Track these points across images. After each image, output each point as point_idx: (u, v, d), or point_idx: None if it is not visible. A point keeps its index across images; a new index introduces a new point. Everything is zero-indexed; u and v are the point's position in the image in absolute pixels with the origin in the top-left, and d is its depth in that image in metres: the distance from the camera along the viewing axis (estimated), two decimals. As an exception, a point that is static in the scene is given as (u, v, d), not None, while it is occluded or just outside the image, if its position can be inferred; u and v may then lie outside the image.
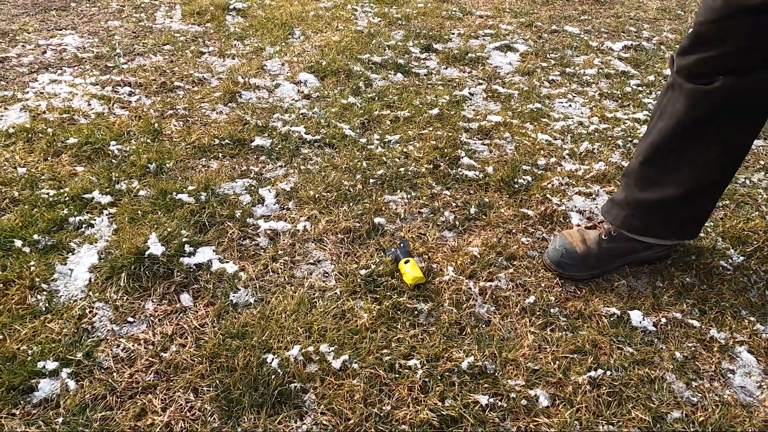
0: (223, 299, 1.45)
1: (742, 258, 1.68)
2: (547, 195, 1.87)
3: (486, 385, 1.27)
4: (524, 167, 1.99)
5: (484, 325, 1.42)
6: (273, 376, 1.26)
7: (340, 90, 2.44)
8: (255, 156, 2.00)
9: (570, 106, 2.43)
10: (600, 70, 2.76)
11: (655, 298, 1.53)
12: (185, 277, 1.51)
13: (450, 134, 2.15)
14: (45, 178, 1.81)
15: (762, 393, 1.32)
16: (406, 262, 1.52)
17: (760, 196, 1.94)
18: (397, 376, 1.28)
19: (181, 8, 3.25)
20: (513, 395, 1.26)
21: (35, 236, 1.58)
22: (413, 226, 1.72)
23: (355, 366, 1.29)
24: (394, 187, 1.87)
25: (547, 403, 1.25)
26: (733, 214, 1.85)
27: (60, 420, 1.17)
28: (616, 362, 1.35)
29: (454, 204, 1.81)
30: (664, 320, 1.47)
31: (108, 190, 1.78)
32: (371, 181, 1.89)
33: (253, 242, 1.65)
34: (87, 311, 1.40)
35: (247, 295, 1.48)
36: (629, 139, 2.20)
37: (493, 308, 1.47)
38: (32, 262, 1.51)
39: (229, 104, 2.31)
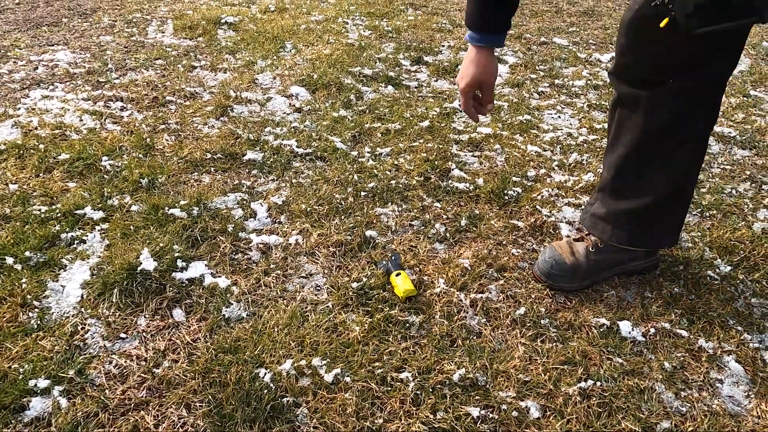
0: (215, 314, 1.46)
1: (729, 268, 1.70)
2: (537, 206, 1.89)
3: (477, 397, 1.28)
4: (514, 179, 2.01)
5: (475, 337, 1.43)
6: (265, 391, 1.26)
7: (331, 103, 2.46)
8: (247, 170, 2.01)
9: (559, 117, 2.46)
10: (588, 82, 2.79)
11: (644, 309, 1.54)
12: (177, 292, 1.52)
13: (441, 146, 2.17)
14: (37, 194, 1.82)
15: (750, 402, 1.33)
16: (397, 275, 1.53)
17: (746, 206, 1.97)
18: (389, 389, 1.29)
19: (172, 23, 3.26)
20: (504, 407, 1.26)
21: (27, 253, 1.58)
22: (404, 239, 1.73)
23: (348, 379, 1.30)
24: (385, 199, 1.88)
25: (538, 414, 1.26)
26: (720, 224, 1.87)
27: (52, 438, 1.17)
28: (606, 373, 1.36)
29: (444, 216, 1.83)
30: (653, 330, 1.48)
31: (100, 205, 1.78)
32: (362, 194, 1.90)
33: (246, 256, 1.65)
34: (79, 328, 1.40)
35: (239, 309, 1.48)
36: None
37: (484, 320, 1.48)
38: (24, 280, 1.51)
39: (221, 118, 2.32)
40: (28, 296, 1.47)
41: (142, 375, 1.31)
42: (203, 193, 1.86)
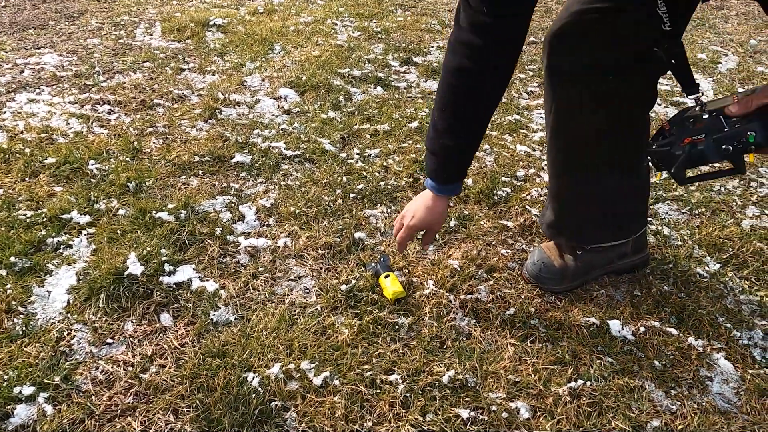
0: (203, 318, 1.45)
1: (718, 265, 1.70)
2: (527, 206, 1.89)
3: (467, 399, 1.28)
4: (503, 179, 2.01)
5: (464, 338, 1.43)
6: (253, 395, 1.26)
7: (320, 105, 2.45)
8: (235, 173, 2.00)
9: (548, 117, 2.46)
10: (577, 81, 2.79)
11: (633, 307, 1.54)
12: (165, 296, 1.50)
13: (430, 147, 2.16)
14: (22, 199, 1.80)
15: (739, 400, 1.33)
16: (386, 277, 1.52)
17: (735, 203, 1.97)
18: (378, 391, 1.28)
19: (161, 25, 3.24)
20: (494, 408, 1.26)
21: (12, 258, 1.56)
22: (393, 241, 1.72)
23: (336, 382, 1.29)
24: (374, 201, 1.88)
25: (528, 415, 1.25)
26: (709, 221, 1.88)
27: (37, 446, 1.15)
28: (596, 372, 1.36)
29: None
30: (642, 329, 1.48)
31: (87, 210, 1.77)
32: (351, 195, 1.89)
33: (234, 260, 1.64)
34: (65, 334, 1.39)
35: (227, 313, 1.47)
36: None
37: (474, 321, 1.48)
38: (8, 285, 1.49)
39: (209, 121, 2.31)
40: (13, 302, 1.45)
41: (129, 380, 1.29)
42: (191, 197, 1.84)
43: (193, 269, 1.59)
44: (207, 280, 1.56)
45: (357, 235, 1.72)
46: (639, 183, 1.50)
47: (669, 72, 1.21)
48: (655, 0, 1.07)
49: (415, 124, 2.31)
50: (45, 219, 1.71)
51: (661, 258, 1.71)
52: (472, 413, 1.25)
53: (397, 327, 1.44)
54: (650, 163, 1.19)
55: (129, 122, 2.27)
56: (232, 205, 1.84)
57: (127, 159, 2.03)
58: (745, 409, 1.31)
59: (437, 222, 1.44)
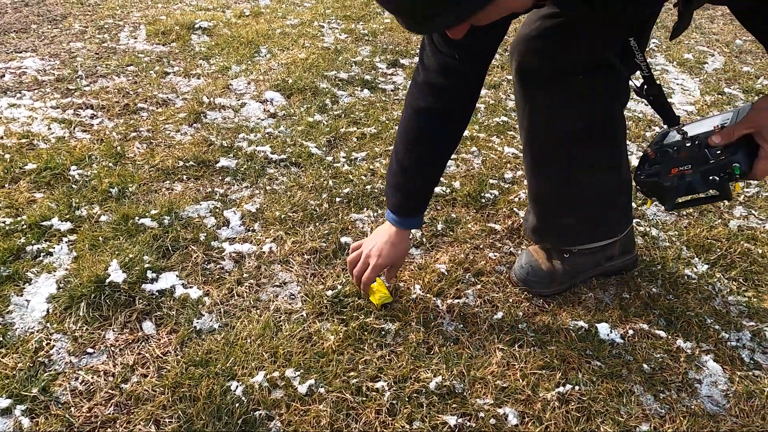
0: (186, 326, 1.42)
1: (706, 266, 1.69)
2: (514, 209, 1.88)
3: (454, 405, 1.26)
4: (491, 181, 2.00)
5: (452, 344, 1.41)
6: (237, 405, 1.23)
7: (306, 108, 2.43)
8: (220, 177, 1.98)
9: (536, 118, 2.45)
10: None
11: (622, 310, 1.54)
12: (147, 304, 1.48)
13: (417, 150, 2.15)
14: (1, 206, 1.76)
15: (728, 402, 1.33)
16: (372, 282, 1.50)
17: (722, 204, 1.97)
18: (365, 399, 1.26)
19: (145, 28, 3.21)
20: (482, 414, 1.24)
21: (-10, 267, 1.53)
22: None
23: (322, 390, 1.27)
24: (361, 205, 1.86)
25: (516, 421, 1.24)
26: (697, 222, 1.87)
27: (14, 460, 1.13)
28: (585, 377, 1.34)
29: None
30: (631, 332, 1.47)
31: (68, 216, 1.73)
32: (337, 199, 1.87)
33: (218, 266, 1.62)
34: (44, 344, 1.36)
35: (211, 320, 1.45)
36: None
37: (461, 326, 1.46)
38: (-14, 295, 1.46)
39: (194, 125, 2.28)
40: (-9, 312, 1.42)
41: (110, 391, 1.27)
42: (175, 202, 1.82)
43: (177, 276, 1.56)
44: (190, 287, 1.53)
45: (343, 239, 1.70)
46: (619, 181, 1.48)
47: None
48: (633, 53, 1.09)
49: (402, 126, 2.29)
50: (25, 226, 1.68)
51: (650, 260, 1.70)
52: (460, 420, 1.23)
53: (383, 333, 1.42)
54: (640, 192, 1.22)
55: (112, 127, 2.23)
56: (217, 210, 1.81)
57: (110, 164, 2.00)
58: (733, 411, 1.31)
59: (402, 257, 1.47)
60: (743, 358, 1.43)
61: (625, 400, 1.30)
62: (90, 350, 1.36)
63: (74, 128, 2.21)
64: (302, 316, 1.46)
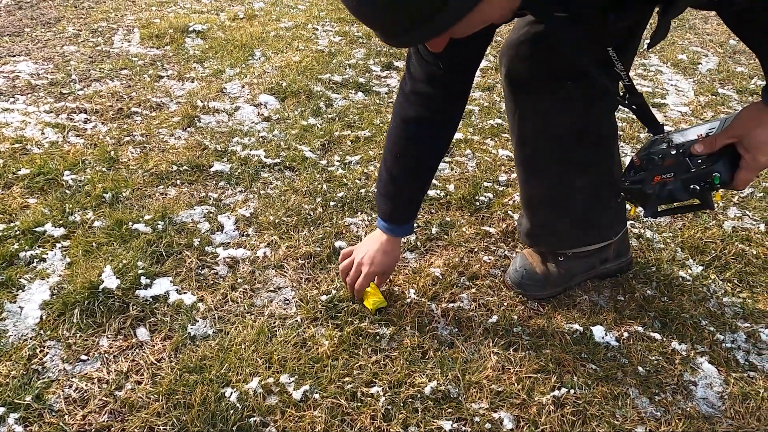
0: (180, 332, 1.42)
1: (701, 268, 1.70)
2: (509, 212, 1.88)
3: (449, 410, 1.26)
4: (485, 184, 2.00)
5: (446, 348, 1.41)
6: (231, 411, 1.23)
7: (300, 111, 2.42)
8: (214, 182, 1.97)
9: (530, 120, 2.45)
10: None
11: (617, 313, 1.54)
12: (141, 310, 1.47)
13: (411, 153, 2.14)
14: (-6, 212, 1.76)
15: (723, 404, 1.33)
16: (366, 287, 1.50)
17: (717, 205, 1.97)
18: (359, 404, 1.26)
19: (139, 32, 3.20)
20: (477, 419, 1.24)
21: (-17, 274, 1.52)
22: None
23: (317, 396, 1.27)
24: (355, 209, 1.86)
25: (511, 425, 1.24)
26: (691, 223, 1.87)
27: (7, 469, 1.12)
28: (580, 380, 1.34)
29: (415, 224, 1.80)
30: (626, 334, 1.47)
31: (61, 222, 1.73)
32: (332, 203, 1.87)
33: (212, 271, 1.61)
34: (37, 351, 1.35)
35: (205, 326, 1.44)
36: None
37: (456, 330, 1.46)
38: (-21, 302, 1.45)
39: (188, 129, 2.27)
40: (-16, 320, 1.41)
41: (104, 398, 1.26)
42: (169, 207, 1.81)
43: (171, 282, 1.56)
44: (185, 293, 1.52)
45: (338, 244, 1.70)
46: (612, 183, 1.48)
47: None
48: (612, 62, 1.09)
49: (396, 129, 2.29)
50: (18, 232, 1.67)
51: (644, 262, 1.71)
52: (455, 425, 1.23)
53: (378, 338, 1.42)
54: (624, 198, 1.23)
55: (106, 131, 2.23)
56: (211, 215, 1.81)
57: (104, 169, 1.99)
58: (729, 413, 1.31)
59: (394, 264, 1.49)
60: (738, 360, 1.44)
61: (621, 403, 1.30)
62: (84, 357, 1.35)
63: (68, 133, 2.20)
64: (297, 321, 1.46)
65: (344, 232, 1.76)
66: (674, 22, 3.74)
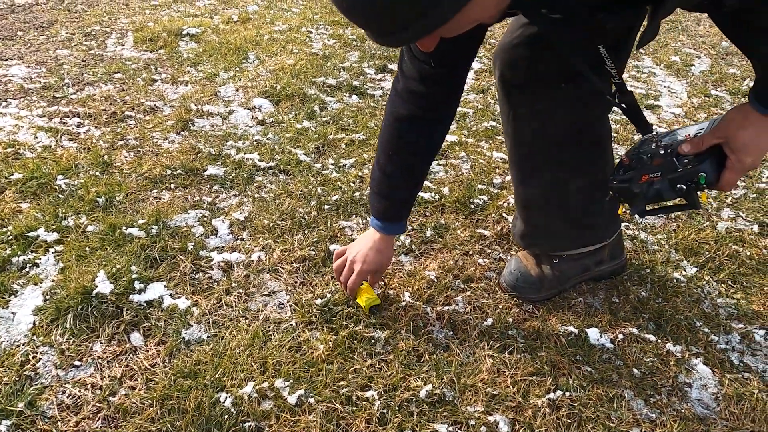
0: (174, 337, 1.41)
1: (695, 269, 1.70)
2: (503, 214, 1.88)
3: (445, 414, 1.26)
4: (480, 186, 2.00)
5: (442, 351, 1.40)
6: (226, 416, 1.22)
7: (294, 114, 2.42)
8: (208, 185, 1.97)
9: (524, 123, 2.45)
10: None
11: (612, 314, 1.54)
12: (135, 315, 1.46)
13: (406, 156, 2.14)
14: (-13, 217, 1.75)
15: (718, 405, 1.33)
16: (360, 286, 1.50)
17: (710, 206, 1.98)
18: (355, 408, 1.26)
19: (133, 35, 3.20)
20: (472, 422, 1.24)
21: (-25, 280, 1.51)
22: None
23: (312, 400, 1.26)
24: (350, 212, 1.85)
25: (506, 428, 1.24)
26: (685, 225, 1.88)
27: (-1, 477, 1.11)
28: (575, 382, 1.34)
29: (410, 227, 1.80)
30: (621, 336, 1.48)
31: (54, 227, 1.72)
32: (326, 207, 1.87)
33: (206, 275, 1.61)
34: (30, 357, 1.34)
35: (199, 331, 1.44)
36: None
37: (451, 333, 1.46)
38: (-29, 308, 1.44)
39: (182, 133, 2.27)
40: (-24, 326, 1.40)
41: (97, 404, 1.25)
42: (162, 211, 1.80)
43: (165, 286, 1.55)
44: (179, 298, 1.52)
45: (332, 247, 1.70)
46: (606, 185, 1.48)
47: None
48: (603, 59, 1.09)
49: (390, 132, 2.29)
50: (10, 237, 1.66)
51: (639, 263, 1.71)
52: (451, 428, 1.23)
53: (373, 341, 1.41)
54: (612, 197, 1.23)
55: (99, 135, 2.22)
56: (205, 219, 1.80)
57: (97, 173, 1.98)
58: (723, 414, 1.31)
59: (387, 262, 1.49)
60: (732, 361, 1.44)
61: (616, 405, 1.30)
62: (77, 363, 1.34)
63: (61, 137, 2.19)
64: (291, 325, 1.45)
65: (339, 235, 1.76)
66: (666, 24, 3.75)
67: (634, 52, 2.80)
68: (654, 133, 1.19)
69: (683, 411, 1.31)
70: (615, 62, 1.11)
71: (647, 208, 1.16)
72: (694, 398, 1.35)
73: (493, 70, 1.39)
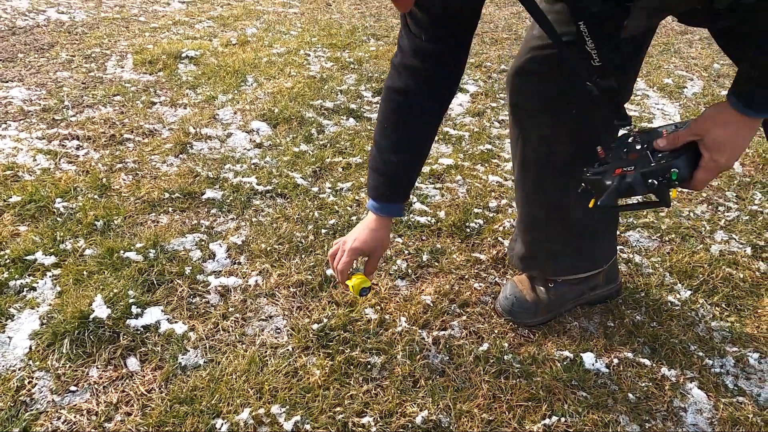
0: (171, 362, 1.41)
1: (689, 292, 1.71)
2: (499, 238, 1.89)
3: (441, 440, 1.26)
4: (476, 210, 2.02)
5: (438, 377, 1.41)
6: (222, 443, 1.22)
7: (292, 138, 2.44)
8: (206, 209, 1.98)
9: (520, 145, 2.48)
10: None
11: (607, 339, 1.55)
12: (132, 340, 1.47)
13: (402, 179, 2.16)
14: (-15, 240, 1.75)
15: (713, 429, 1.33)
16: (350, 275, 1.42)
17: (704, 228, 2.00)
18: (351, 435, 1.26)
19: (132, 57, 3.23)
20: (468, 449, 1.24)
21: (-28, 304, 1.52)
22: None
23: (308, 427, 1.27)
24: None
25: (502, 455, 1.24)
26: (679, 248, 1.89)
27: (-6, 505, 1.11)
28: (571, 408, 1.35)
29: (406, 251, 1.81)
30: (616, 361, 1.48)
31: (52, 250, 1.72)
32: (323, 231, 1.88)
33: (204, 299, 1.61)
34: (26, 382, 1.35)
35: (196, 356, 1.44)
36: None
37: (447, 358, 1.46)
38: (-32, 333, 1.44)
39: (180, 156, 2.29)
40: (-27, 351, 1.40)
41: (93, 430, 1.25)
42: (160, 235, 1.81)
43: (162, 311, 1.55)
44: (176, 322, 1.52)
45: (329, 272, 1.71)
46: (608, 213, 1.51)
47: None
48: (583, 38, 1.07)
49: (387, 155, 2.31)
50: (8, 261, 1.67)
51: (633, 287, 1.72)
52: (446, 455, 1.23)
53: (369, 366, 1.42)
54: (583, 190, 1.20)
55: (98, 158, 2.23)
56: (203, 243, 1.81)
57: (95, 196, 1.99)
58: (718, 440, 1.31)
59: (381, 246, 1.39)
60: (727, 385, 1.45)
61: (612, 431, 1.31)
62: (73, 388, 1.34)
63: (60, 159, 2.20)
64: (288, 350, 1.46)
65: (335, 259, 1.77)
66: (659, 47, 3.81)
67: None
68: (633, 128, 1.18)
69: (678, 436, 1.31)
70: (597, 46, 1.09)
71: (618, 204, 1.14)
72: (689, 423, 1.35)
73: (506, 94, 1.41)
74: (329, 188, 2.11)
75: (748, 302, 1.69)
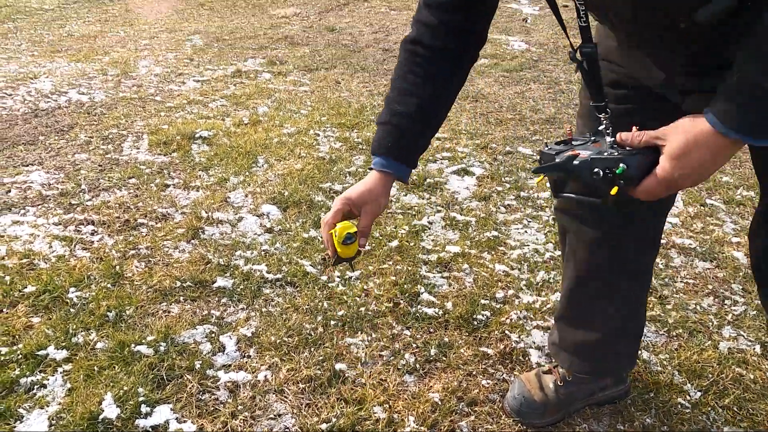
0: (178, 465, 1.41)
1: (699, 393, 1.70)
2: (506, 331, 1.90)
3: None
4: (483, 301, 2.03)
5: (447, 484, 1.40)
6: None
7: (301, 222, 2.50)
8: (216, 298, 2.01)
9: (525, 232, 2.52)
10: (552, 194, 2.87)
11: (616, 442, 1.53)
12: (140, 441, 1.47)
13: (410, 268, 2.19)
14: (-1, 332, 1.78)
15: None
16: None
17: (711, 323, 2.00)
18: None
19: (148, 138, 3.34)
20: None
21: (-17, 402, 1.53)
22: (374, 372, 1.72)
23: None
24: (355, 328, 1.88)
25: None
26: (687, 344, 1.89)
27: None
28: None
29: (414, 345, 1.83)
30: (627, 467, 1.47)
31: (64, 344, 1.75)
32: (332, 322, 1.90)
33: (213, 396, 1.62)
34: (34, 488, 1.34)
35: (204, 459, 1.43)
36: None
37: (456, 463, 1.45)
38: (-22, 434, 1.45)
39: (192, 241, 2.33)
40: (-18, 453, 1.41)
41: None
42: (171, 326, 1.84)
43: (171, 409, 1.56)
44: (184, 422, 1.53)
45: (338, 366, 1.72)
46: (637, 327, 1.58)
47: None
48: (578, 10, 1.01)
49: (395, 243, 2.35)
50: (20, 356, 1.69)
51: (642, 386, 1.71)
52: None
53: (377, 473, 1.41)
54: (537, 163, 1.15)
55: (112, 244, 2.28)
56: (213, 335, 1.83)
57: (108, 285, 2.03)
58: None
59: (375, 202, 1.22)
60: (741, 494, 1.42)
61: None
62: (80, 494, 1.34)
63: (75, 246, 2.25)
64: (296, 453, 1.45)
65: (344, 353, 1.78)
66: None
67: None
68: (606, 114, 1.10)
69: None
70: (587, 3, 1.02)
71: (564, 192, 1.11)
72: None
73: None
74: (338, 277, 2.14)
75: (760, 407, 1.67)
